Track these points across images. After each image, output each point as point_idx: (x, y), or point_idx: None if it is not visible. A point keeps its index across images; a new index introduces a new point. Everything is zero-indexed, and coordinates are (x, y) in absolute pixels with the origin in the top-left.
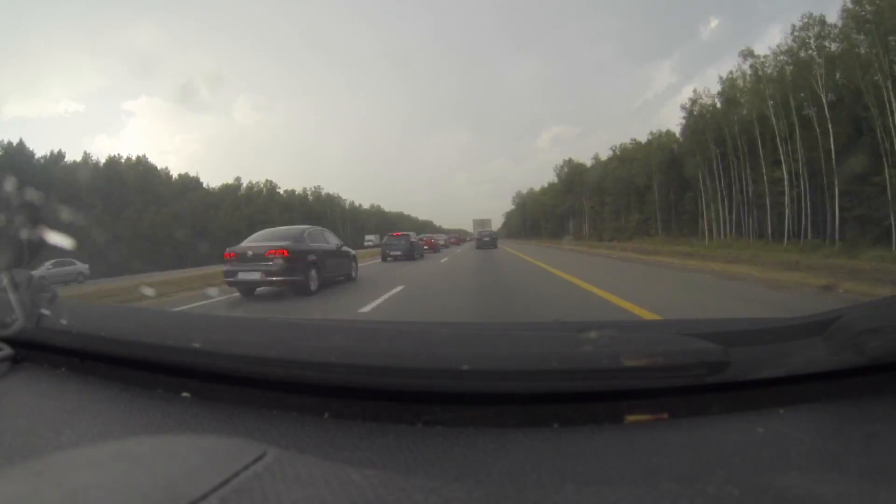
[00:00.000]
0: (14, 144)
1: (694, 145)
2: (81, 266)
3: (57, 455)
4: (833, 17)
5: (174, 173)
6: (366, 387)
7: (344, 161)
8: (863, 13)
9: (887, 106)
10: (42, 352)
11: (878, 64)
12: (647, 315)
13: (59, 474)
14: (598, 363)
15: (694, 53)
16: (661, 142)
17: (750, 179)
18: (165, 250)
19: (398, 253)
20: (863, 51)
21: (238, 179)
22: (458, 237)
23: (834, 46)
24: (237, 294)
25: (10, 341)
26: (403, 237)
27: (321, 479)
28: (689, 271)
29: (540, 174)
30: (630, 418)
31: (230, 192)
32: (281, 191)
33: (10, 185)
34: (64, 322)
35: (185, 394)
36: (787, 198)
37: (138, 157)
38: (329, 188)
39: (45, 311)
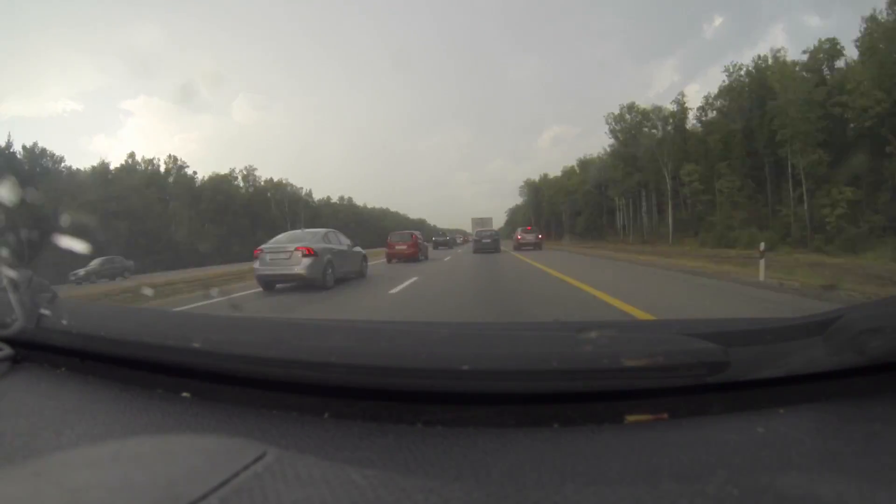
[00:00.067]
0: (41, 148)
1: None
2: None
3: (57, 455)
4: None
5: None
6: (366, 387)
7: (342, 160)
8: None
9: None
10: (42, 352)
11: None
12: None
13: (59, 474)
14: (598, 363)
15: (697, 52)
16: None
17: None
18: (198, 248)
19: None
20: None
21: (233, 172)
22: (452, 238)
23: None
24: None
25: (10, 341)
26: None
27: (321, 479)
28: None
29: (541, 174)
30: (630, 418)
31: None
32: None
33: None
34: (64, 322)
35: (185, 394)
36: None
37: (174, 160)
38: (328, 187)
39: (45, 311)
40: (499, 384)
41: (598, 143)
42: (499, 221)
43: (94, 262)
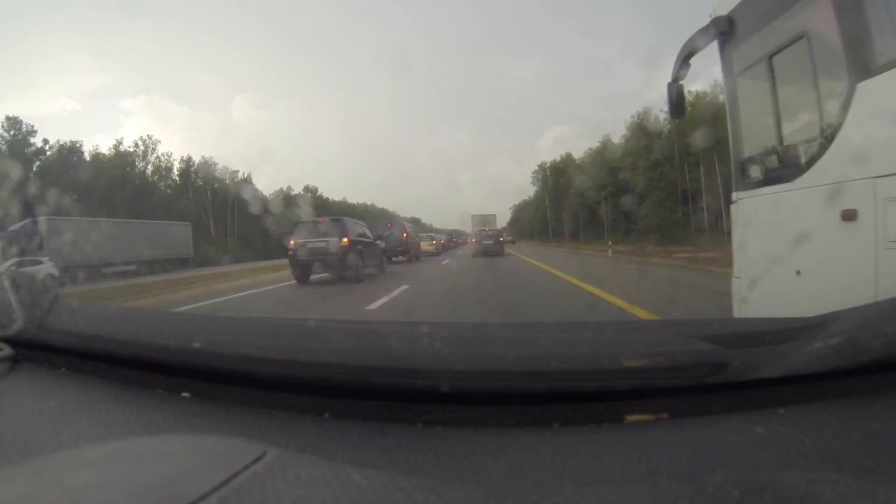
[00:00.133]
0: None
1: None
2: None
3: (57, 455)
4: None
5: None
6: (366, 387)
7: (342, 158)
8: None
9: None
10: (42, 352)
11: None
12: None
13: (59, 474)
14: (598, 363)
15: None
16: None
17: None
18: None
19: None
20: None
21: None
22: (447, 238)
23: None
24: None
25: (10, 341)
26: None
27: (321, 479)
28: None
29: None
30: (630, 418)
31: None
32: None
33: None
34: (64, 322)
35: (185, 394)
36: None
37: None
38: (329, 188)
39: (46, 311)
40: (499, 384)
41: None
42: (503, 218)
43: None
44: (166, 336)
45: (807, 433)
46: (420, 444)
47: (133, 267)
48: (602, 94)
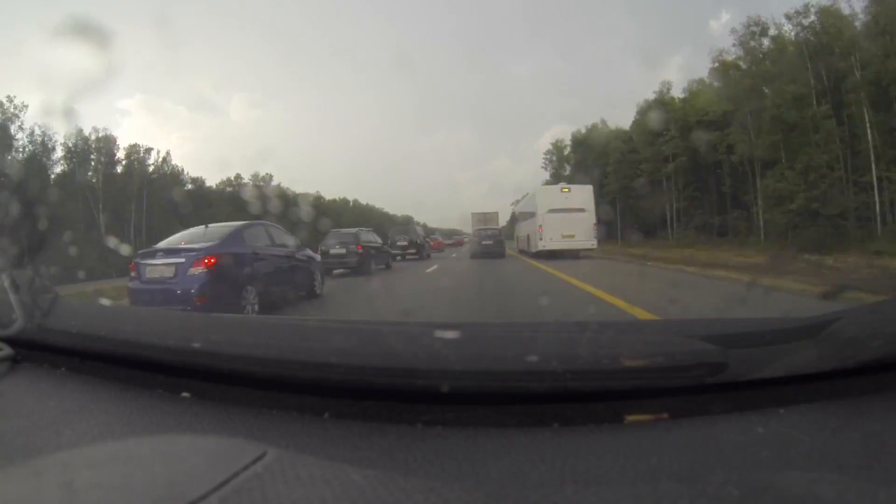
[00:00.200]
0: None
1: None
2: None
3: (57, 455)
4: None
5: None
6: (366, 387)
7: (342, 159)
8: None
9: None
10: (42, 352)
11: None
12: None
13: (59, 474)
14: (598, 363)
15: (703, 50)
16: None
17: None
18: None
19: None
20: None
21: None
22: (440, 239)
23: None
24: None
25: (10, 341)
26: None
27: (321, 479)
28: None
29: (541, 174)
30: (630, 418)
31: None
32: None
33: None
34: (64, 322)
35: (185, 394)
36: None
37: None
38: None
39: (46, 312)
40: (499, 384)
41: None
42: (505, 215)
43: None
44: (166, 336)
45: (807, 433)
46: (420, 444)
47: None
48: (602, 94)
